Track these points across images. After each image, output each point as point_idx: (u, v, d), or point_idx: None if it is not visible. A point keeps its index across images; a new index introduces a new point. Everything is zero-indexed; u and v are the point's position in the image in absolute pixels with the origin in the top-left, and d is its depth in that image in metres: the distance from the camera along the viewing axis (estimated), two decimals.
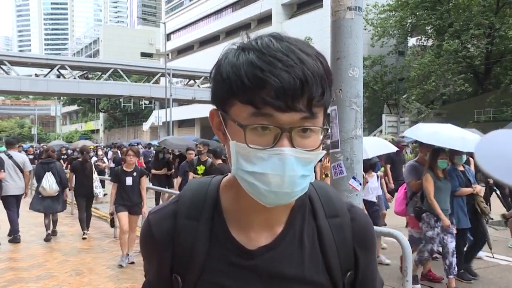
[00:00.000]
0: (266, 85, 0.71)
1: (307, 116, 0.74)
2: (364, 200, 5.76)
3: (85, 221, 7.92)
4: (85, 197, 8.14)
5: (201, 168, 8.16)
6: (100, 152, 15.72)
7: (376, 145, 7.11)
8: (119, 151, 17.64)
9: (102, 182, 13.34)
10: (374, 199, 6.18)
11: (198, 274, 0.83)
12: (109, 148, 20.90)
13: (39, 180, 7.67)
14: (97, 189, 8.46)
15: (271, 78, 0.71)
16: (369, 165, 6.08)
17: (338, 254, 0.86)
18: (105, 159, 15.46)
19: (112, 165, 15.67)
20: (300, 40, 0.78)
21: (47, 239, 7.50)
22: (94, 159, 14.86)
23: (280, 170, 0.73)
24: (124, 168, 6.32)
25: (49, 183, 7.54)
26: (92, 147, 17.49)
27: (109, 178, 8.13)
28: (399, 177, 8.08)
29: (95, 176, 8.45)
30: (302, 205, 0.87)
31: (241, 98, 0.74)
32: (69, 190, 8.52)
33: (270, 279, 0.82)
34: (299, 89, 0.72)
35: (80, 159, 8.62)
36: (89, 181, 8.21)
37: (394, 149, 7.48)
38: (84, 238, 7.66)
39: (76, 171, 8.26)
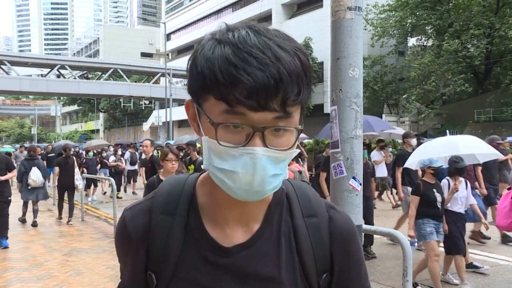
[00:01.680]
0: (239, 83, 0.69)
1: (281, 115, 0.72)
2: (449, 211, 5.10)
3: (63, 208, 9.30)
4: (67, 189, 9.32)
5: (191, 168, 8.21)
6: (119, 152, 15.00)
7: (477, 145, 5.90)
8: (137, 152, 16.55)
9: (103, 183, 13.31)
10: (462, 210, 5.16)
11: (172, 271, 0.82)
12: (123, 148, 19.54)
13: (26, 174, 8.76)
14: (77, 181, 9.51)
15: (244, 77, 0.69)
16: (455, 169, 5.09)
17: (313, 254, 0.84)
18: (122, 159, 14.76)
19: (130, 167, 14.83)
20: (280, 33, 0.75)
21: (34, 224, 8.77)
22: (112, 158, 14.18)
23: (251, 169, 0.71)
24: (162, 178, 5.10)
25: (37, 176, 8.73)
26: (89, 149, 16.61)
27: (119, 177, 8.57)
28: (493, 181, 7.38)
29: (76, 170, 9.57)
30: (279, 202, 0.85)
31: (215, 94, 0.72)
32: (53, 184, 9.67)
33: (245, 278, 0.80)
34: (273, 88, 0.69)
35: (64, 156, 9.60)
36: (71, 175, 9.30)
37: (496, 155, 6.27)
38: (69, 223, 9.01)
39: (60, 166, 9.30)
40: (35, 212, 8.88)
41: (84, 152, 16.25)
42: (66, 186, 9.29)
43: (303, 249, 0.83)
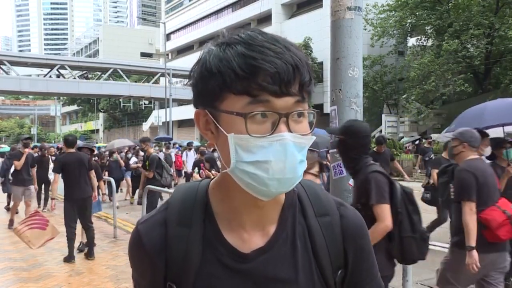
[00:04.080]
0: (260, 72, 0.72)
1: (299, 100, 0.76)
2: None
3: (40, 199, 11.06)
4: (43, 182, 10.90)
5: (148, 164, 8.15)
6: (141, 153, 12.98)
7: None
8: (172, 154, 14.48)
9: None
10: None
11: (193, 280, 0.82)
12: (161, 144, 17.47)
13: (8, 171, 10.24)
14: (50, 175, 10.52)
15: (266, 65, 0.72)
16: None
17: (328, 252, 0.85)
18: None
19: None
20: (279, 36, 0.80)
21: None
22: (134, 160, 12.64)
23: (282, 155, 0.73)
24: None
25: None
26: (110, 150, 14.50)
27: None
28: None
29: (51, 166, 10.79)
30: (292, 204, 0.86)
31: (235, 90, 0.74)
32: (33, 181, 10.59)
33: (265, 282, 0.81)
34: (292, 73, 0.74)
35: (40, 155, 11.23)
36: (45, 170, 10.80)
37: None
38: (43, 211, 10.37)
39: (38, 164, 10.51)
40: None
41: (106, 154, 14.60)
42: (42, 180, 10.82)
43: (318, 249, 0.85)
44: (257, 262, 0.82)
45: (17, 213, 10.86)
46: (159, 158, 8.64)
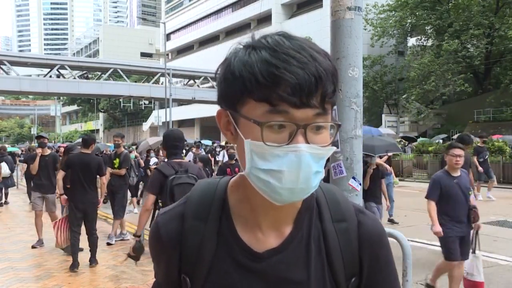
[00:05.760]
0: (281, 82, 0.71)
1: (320, 112, 0.74)
2: None
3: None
4: (32, 179, 10.53)
5: (117, 162, 7.60)
6: (161, 154, 12.18)
7: None
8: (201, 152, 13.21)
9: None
10: None
11: (205, 275, 0.83)
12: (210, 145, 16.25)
13: None
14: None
15: (287, 75, 0.71)
16: None
17: (342, 259, 0.85)
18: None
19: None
20: (306, 39, 0.78)
21: (5, 204, 12.13)
22: (154, 160, 11.80)
23: (296, 166, 0.73)
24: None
25: (4, 169, 11.83)
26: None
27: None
28: None
29: None
30: (309, 207, 0.86)
31: (256, 96, 0.73)
32: (20, 175, 11.78)
33: (277, 282, 0.82)
34: (314, 85, 0.72)
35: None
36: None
37: None
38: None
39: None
40: (6, 195, 12.45)
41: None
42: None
43: (332, 254, 0.84)
44: (270, 262, 0.82)
45: None
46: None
